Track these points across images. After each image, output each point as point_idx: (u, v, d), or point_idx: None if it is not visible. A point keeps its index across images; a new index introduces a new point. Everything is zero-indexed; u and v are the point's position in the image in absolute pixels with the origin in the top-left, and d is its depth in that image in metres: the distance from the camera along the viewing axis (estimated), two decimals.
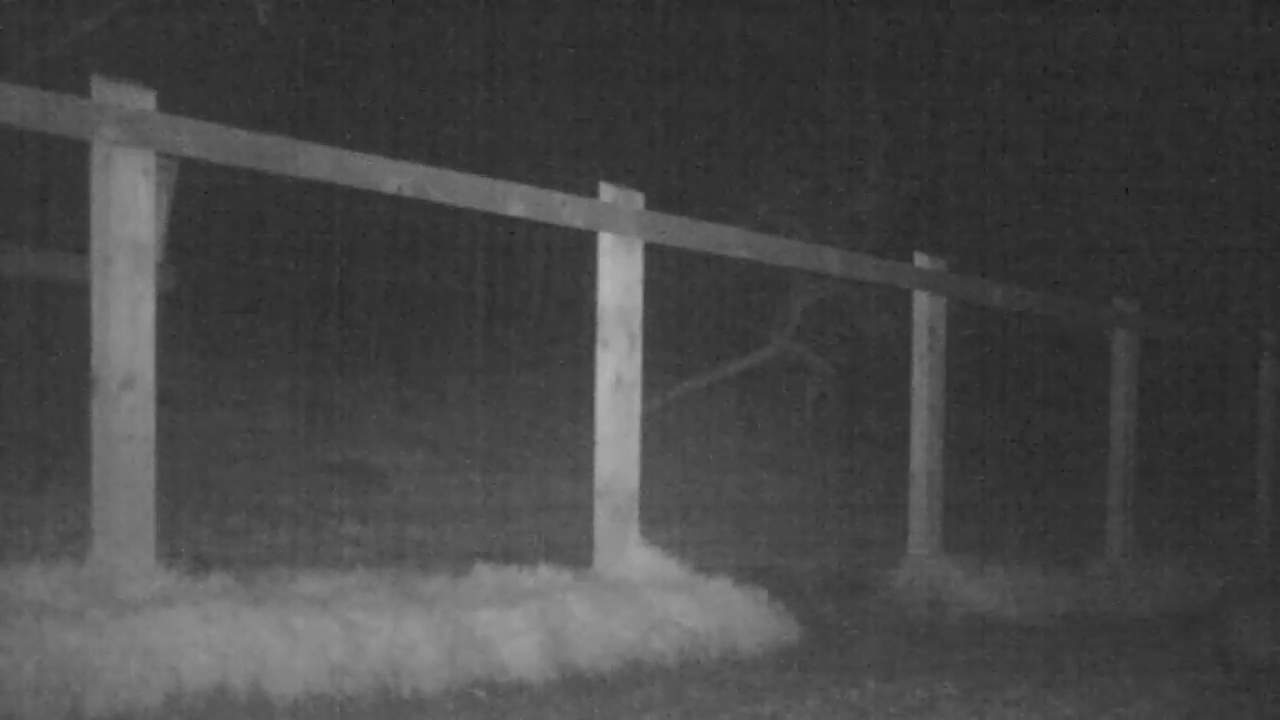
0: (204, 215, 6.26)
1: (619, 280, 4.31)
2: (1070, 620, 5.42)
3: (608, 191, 4.29)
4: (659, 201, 4.47)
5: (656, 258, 4.58)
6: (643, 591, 4.01)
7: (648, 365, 4.44)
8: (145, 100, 3.29)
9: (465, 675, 3.37)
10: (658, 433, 5.78)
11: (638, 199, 4.34)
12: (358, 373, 6.95)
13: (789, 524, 6.36)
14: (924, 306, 5.47)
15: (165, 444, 3.38)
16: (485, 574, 3.88)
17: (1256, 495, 7.53)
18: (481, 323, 7.95)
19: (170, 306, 3.73)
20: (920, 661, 4.19)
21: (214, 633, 3.03)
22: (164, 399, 3.37)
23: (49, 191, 5.63)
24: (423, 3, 8.31)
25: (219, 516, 4.68)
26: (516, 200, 4.03)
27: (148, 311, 3.31)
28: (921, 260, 5.48)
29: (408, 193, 3.78)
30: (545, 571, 3.98)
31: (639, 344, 4.36)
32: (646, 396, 4.57)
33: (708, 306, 8.01)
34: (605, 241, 4.30)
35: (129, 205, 3.27)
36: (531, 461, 6.34)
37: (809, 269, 5.51)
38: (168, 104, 3.34)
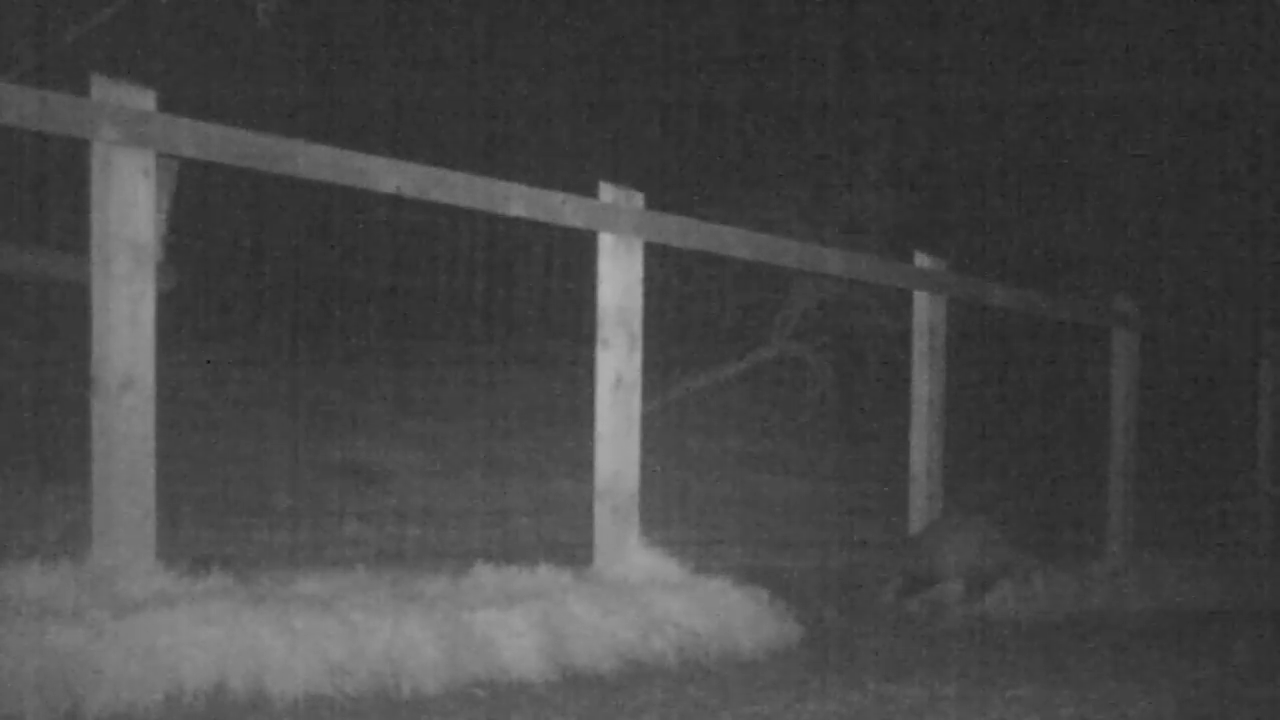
0: (204, 215, 6.26)
1: (619, 280, 4.30)
2: (1071, 620, 5.42)
3: (608, 191, 4.29)
4: (659, 201, 4.47)
5: (656, 258, 4.57)
6: (643, 592, 4.01)
7: (648, 365, 4.44)
8: (145, 100, 3.29)
9: (465, 675, 3.37)
10: (658, 433, 5.78)
11: (638, 199, 4.34)
12: (358, 373, 6.95)
13: (789, 524, 6.36)
14: (924, 306, 5.47)
15: (165, 444, 3.38)
16: (485, 574, 3.88)
17: (1256, 495, 7.54)
18: (481, 322, 7.95)
19: (170, 306, 3.73)
20: (920, 661, 4.19)
21: (214, 633, 3.03)
22: (164, 399, 3.37)
23: (49, 191, 5.64)
24: (423, 3, 8.31)
25: (219, 516, 4.68)
26: (516, 200, 4.03)
27: (148, 311, 3.31)
28: (921, 260, 5.48)
29: (408, 193, 3.78)
30: (545, 571, 3.98)
31: (639, 344, 4.36)
32: (646, 396, 4.56)
33: (708, 306, 8.01)
34: (605, 241, 4.30)
35: (129, 205, 3.27)
36: (531, 461, 6.34)
37: (809, 269, 5.51)
38: (168, 104, 3.34)
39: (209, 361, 6.18)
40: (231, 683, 3.00)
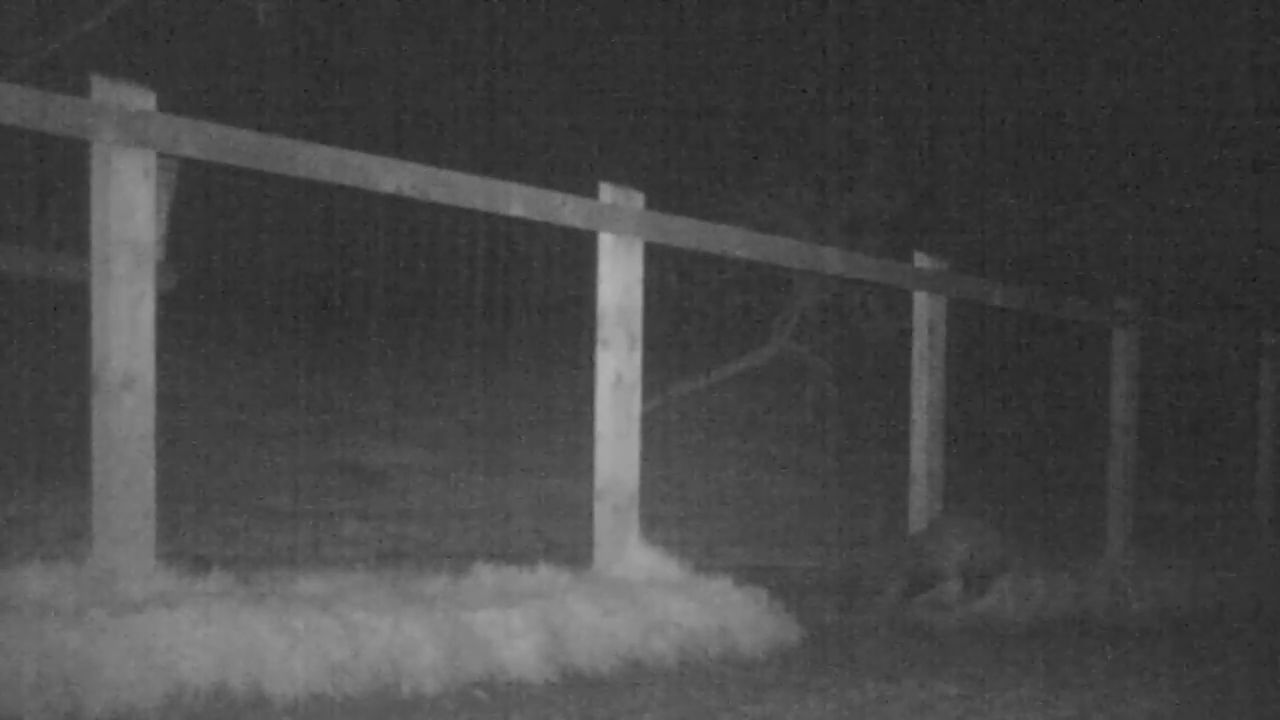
0: (204, 215, 6.25)
1: (619, 280, 4.30)
2: (1070, 620, 5.42)
3: (608, 191, 4.29)
4: (659, 201, 4.47)
5: (656, 258, 4.57)
6: (643, 592, 4.01)
7: (648, 365, 4.44)
8: (145, 100, 3.29)
9: (465, 675, 3.37)
10: (658, 432, 5.78)
11: (638, 199, 4.34)
12: (358, 372, 6.95)
13: (789, 524, 6.36)
14: (924, 306, 5.47)
15: (165, 444, 3.38)
16: (485, 574, 3.88)
17: (1256, 495, 7.54)
18: (481, 322, 7.95)
19: (170, 306, 3.73)
20: (920, 662, 4.19)
21: (214, 633, 3.03)
22: (164, 399, 3.37)
23: (49, 191, 5.63)
24: (423, 3, 8.31)
25: (219, 516, 4.67)
26: (516, 200, 4.03)
27: (148, 311, 3.31)
28: (921, 260, 5.48)
29: (408, 193, 3.78)
30: (545, 571, 3.99)
31: (639, 344, 4.36)
32: (646, 396, 4.56)
33: (708, 306, 8.00)
34: (605, 241, 4.30)
35: (129, 205, 3.27)
36: (531, 461, 6.34)
37: (809, 269, 5.51)
38: (168, 104, 3.34)
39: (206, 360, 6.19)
40: (231, 683, 3.00)
